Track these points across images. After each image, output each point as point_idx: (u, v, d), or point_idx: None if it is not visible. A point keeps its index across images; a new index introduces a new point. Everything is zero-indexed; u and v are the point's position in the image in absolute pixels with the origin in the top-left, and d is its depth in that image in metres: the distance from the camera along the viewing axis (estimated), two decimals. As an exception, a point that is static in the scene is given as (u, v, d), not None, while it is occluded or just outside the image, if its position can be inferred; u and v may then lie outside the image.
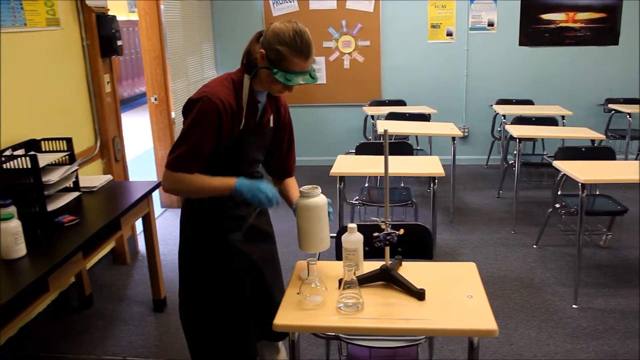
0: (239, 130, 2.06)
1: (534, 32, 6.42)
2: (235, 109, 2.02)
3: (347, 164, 3.93)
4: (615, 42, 6.38)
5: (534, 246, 4.39)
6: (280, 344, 2.62)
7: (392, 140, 4.51)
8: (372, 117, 5.90)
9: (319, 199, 1.98)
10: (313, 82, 2.00)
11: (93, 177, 3.46)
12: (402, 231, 1.89)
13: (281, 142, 2.32)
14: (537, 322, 3.31)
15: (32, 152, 2.87)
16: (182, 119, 2.06)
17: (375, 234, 1.89)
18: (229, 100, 1.99)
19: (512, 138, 4.98)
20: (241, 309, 2.25)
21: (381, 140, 4.76)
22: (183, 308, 2.34)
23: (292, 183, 2.38)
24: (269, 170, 2.38)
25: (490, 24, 6.45)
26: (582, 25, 6.34)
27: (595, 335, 3.16)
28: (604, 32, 6.34)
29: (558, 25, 6.37)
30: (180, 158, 1.99)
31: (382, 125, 4.97)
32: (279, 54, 1.93)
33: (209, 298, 2.26)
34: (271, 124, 2.22)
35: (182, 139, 1.99)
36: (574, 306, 3.47)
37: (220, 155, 2.06)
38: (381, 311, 1.82)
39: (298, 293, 1.90)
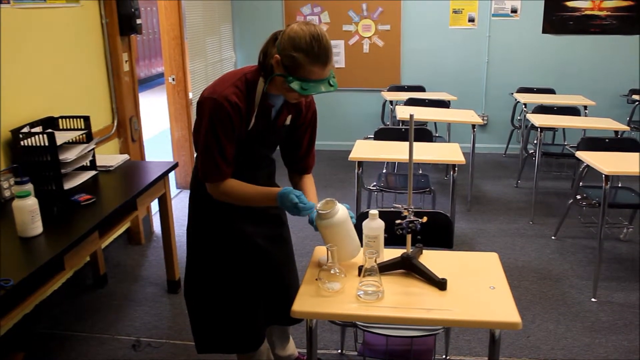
0: (247, 131, 2.01)
1: (558, 20, 6.29)
2: (244, 111, 1.95)
3: (366, 149, 3.88)
4: (642, 32, 6.23)
5: (553, 237, 4.32)
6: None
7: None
8: (391, 102, 5.83)
9: (340, 215, 1.88)
10: (332, 90, 1.87)
11: (110, 156, 3.45)
12: (425, 219, 1.84)
13: (300, 140, 2.21)
14: (555, 314, 3.26)
15: (50, 130, 2.86)
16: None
17: (398, 221, 1.85)
18: (238, 103, 1.92)
19: (532, 127, 4.90)
20: (246, 293, 2.22)
21: (400, 126, 4.70)
22: (188, 288, 2.32)
23: (309, 183, 2.25)
24: (286, 163, 2.29)
25: (514, 11, 6.32)
26: (608, 13, 6.18)
27: (614, 330, 3.10)
28: (631, 20, 6.18)
29: (583, 13, 6.23)
30: (209, 167, 1.97)
31: (403, 111, 4.90)
32: (295, 61, 1.81)
33: (213, 281, 2.23)
34: (287, 123, 2.13)
35: (205, 148, 1.95)
36: (592, 299, 3.41)
37: None
38: (401, 300, 1.78)
39: (317, 279, 1.86)
